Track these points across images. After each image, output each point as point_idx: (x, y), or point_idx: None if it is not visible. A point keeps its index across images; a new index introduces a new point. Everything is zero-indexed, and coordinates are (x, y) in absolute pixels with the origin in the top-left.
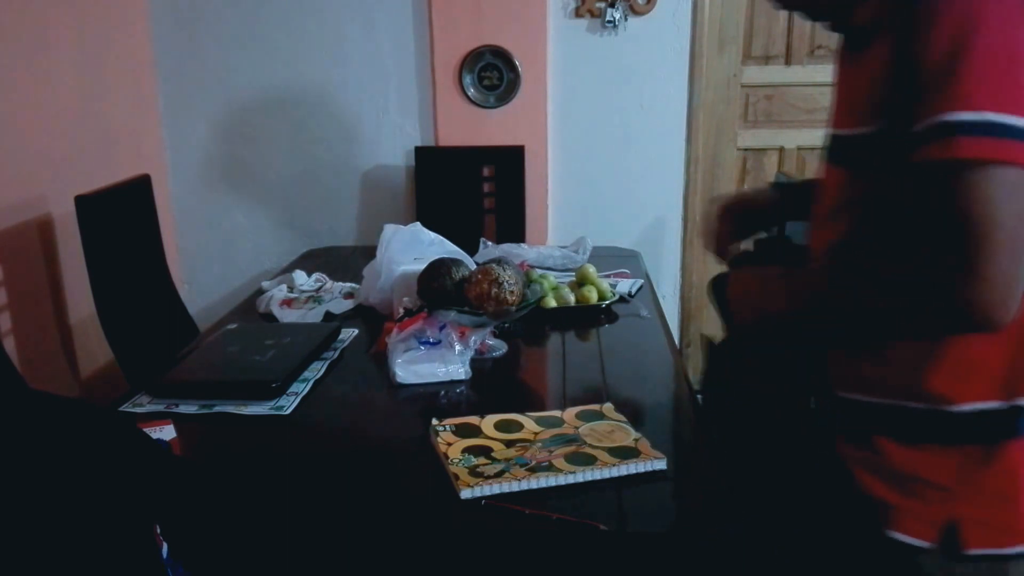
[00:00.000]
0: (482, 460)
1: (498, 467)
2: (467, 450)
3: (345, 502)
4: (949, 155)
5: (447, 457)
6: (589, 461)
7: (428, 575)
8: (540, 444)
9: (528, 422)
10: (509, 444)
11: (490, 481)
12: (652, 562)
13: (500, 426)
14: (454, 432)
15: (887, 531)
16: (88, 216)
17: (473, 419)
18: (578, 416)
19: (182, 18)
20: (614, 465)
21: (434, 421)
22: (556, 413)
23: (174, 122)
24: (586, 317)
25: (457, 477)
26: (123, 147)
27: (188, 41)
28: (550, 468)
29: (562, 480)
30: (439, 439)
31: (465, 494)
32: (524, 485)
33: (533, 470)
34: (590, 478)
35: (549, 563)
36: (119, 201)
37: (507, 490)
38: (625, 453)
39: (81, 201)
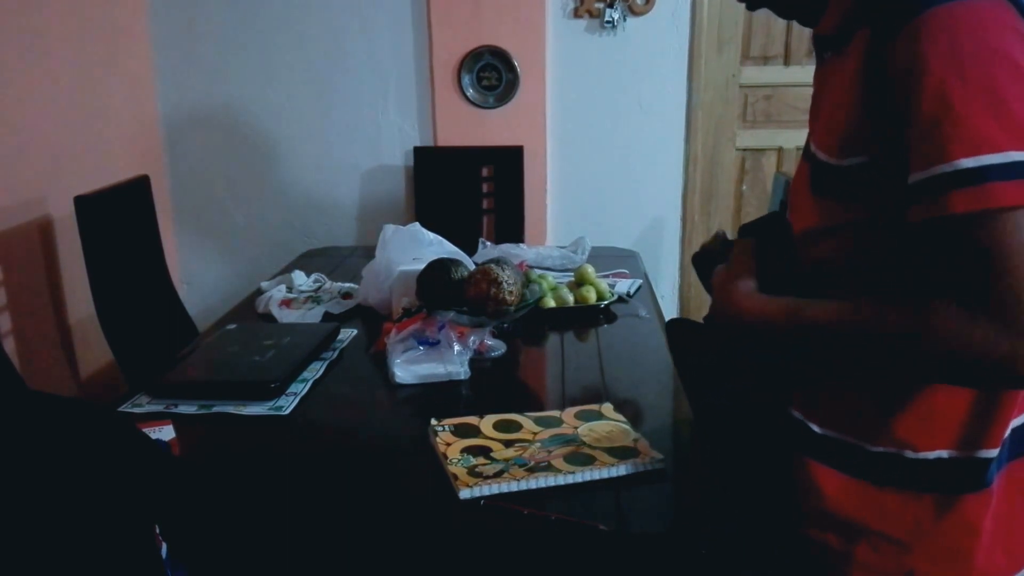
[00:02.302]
0: (481, 460)
1: (497, 467)
2: (466, 450)
3: (344, 502)
4: (983, 206)
5: (446, 457)
6: (588, 461)
7: (427, 575)
8: (539, 444)
9: (527, 422)
10: (508, 444)
11: (489, 481)
12: (651, 562)
13: (499, 426)
14: (453, 432)
15: None
16: (87, 217)
17: (472, 419)
18: (577, 416)
19: (181, 19)
20: (613, 465)
21: (433, 421)
22: (555, 413)
23: (173, 123)
24: (585, 317)
25: (456, 477)
26: (122, 148)
27: (187, 42)
28: (549, 468)
29: (561, 480)
30: (438, 439)
31: (464, 494)
32: (523, 485)
33: (532, 470)
34: (589, 478)
35: (548, 563)
36: (118, 202)
37: (506, 490)
38: (624, 453)
39: (80, 202)
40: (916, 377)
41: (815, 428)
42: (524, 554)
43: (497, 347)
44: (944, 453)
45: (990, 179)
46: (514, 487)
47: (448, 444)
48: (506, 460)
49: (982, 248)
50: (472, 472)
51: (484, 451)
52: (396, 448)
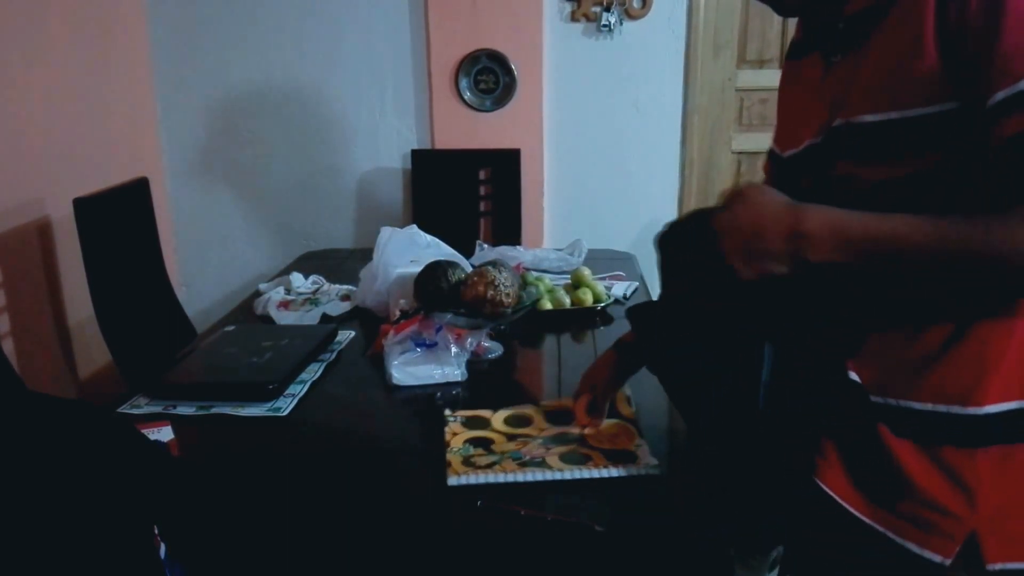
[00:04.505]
0: (479, 451)
1: (491, 459)
2: (469, 441)
3: (342, 503)
4: None
5: (448, 445)
6: (582, 461)
7: (424, 575)
8: (540, 441)
9: (538, 417)
10: (511, 438)
11: (479, 471)
12: (646, 562)
13: (510, 420)
14: (463, 423)
15: (903, 543)
16: (86, 219)
17: (485, 412)
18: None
19: (179, 21)
20: (605, 467)
21: (447, 412)
22: (564, 402)
23: (171, 125)
24: (581, 319)
25: (449, 464)
26: (121, 150)
27: (185, 44)
28: (542, 464)
29: (549, 476)
30: (448, 428)
31: (451, 481)
32: (510, 478)
33: (524, 464)
34: (578, 476)
35: (544, 563)
36: (117, 204)
37: (492, 481)
38: (621, 457)
39: (79, 204)
40: (999, 288)
41: (875, 398)
42: (520, 554)
43: (494, 349)
44: (1007, 406)
45: None
46: (500, 479)
47: (455, 434)
48: (502, 453)
49: None
50: (466, 462)
51: (486, 443)
52: (394, 449)
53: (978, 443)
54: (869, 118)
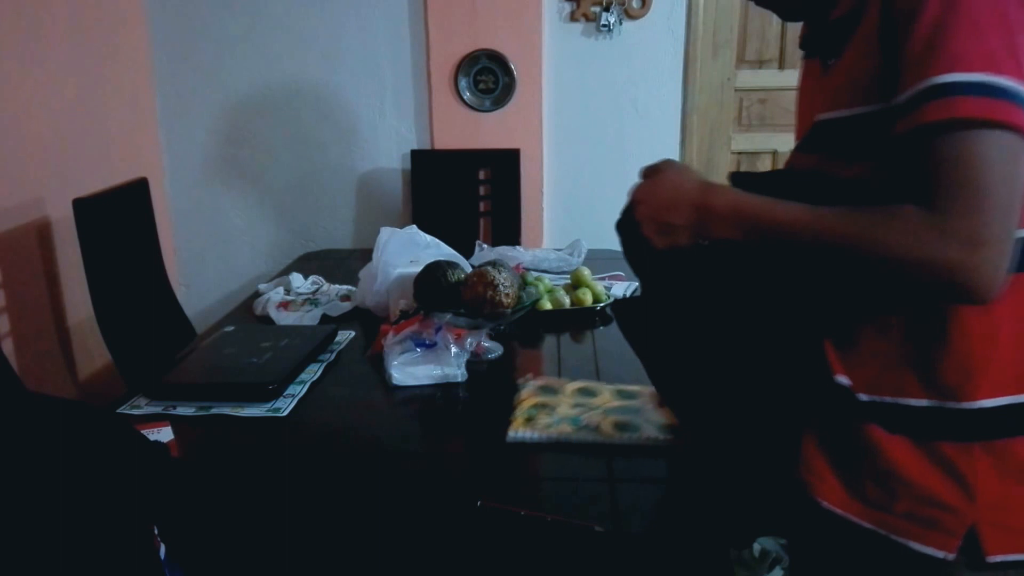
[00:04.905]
0: (543, 414)
1: (550, 421)
2: (536, 405)
3: (342, 503)
4: (949, 115)
5: (516, 406)
6: (635, 430)
7: (424, 575)
8: (602, 410)
9: (606, 392)
10: (576, 407)
11: (536, 430)
12: (647, 563)
13: (581, 391)
14: (537, 389)
15: (905, 543)
16: (86, 219)
17: (560, 381)
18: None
19: (179, 22)
20: (655, 437)
21: (528, 376)
22: (635, 388)
23: (171, 125)
24: (581, 319)
25: (510, 422)
26: (120, 150)
27: (185, 45)
28: (597, 430)
29: (599, 439)
30: (520, 392)
31: (510, 436)
32: (563, 437)
33: (580, 429)
34: (627, 442)
35: (545, 564)
36: (117, 204)
37: (542, 439)
38: (671, 430)
39: (79, 204)
40: (878, 281)
41: (862, 396)
42: (521, 555)
43: (493, 349)
44: (992, 402)
45: (959, 93)
46: (554, 438)
47: (525, 399)
48: (563, 417)
49: (944, 157)
50: (528, 421)
51: (550, 408)
52: (393, 449)
53: (973, 437)
54: (828, 115)
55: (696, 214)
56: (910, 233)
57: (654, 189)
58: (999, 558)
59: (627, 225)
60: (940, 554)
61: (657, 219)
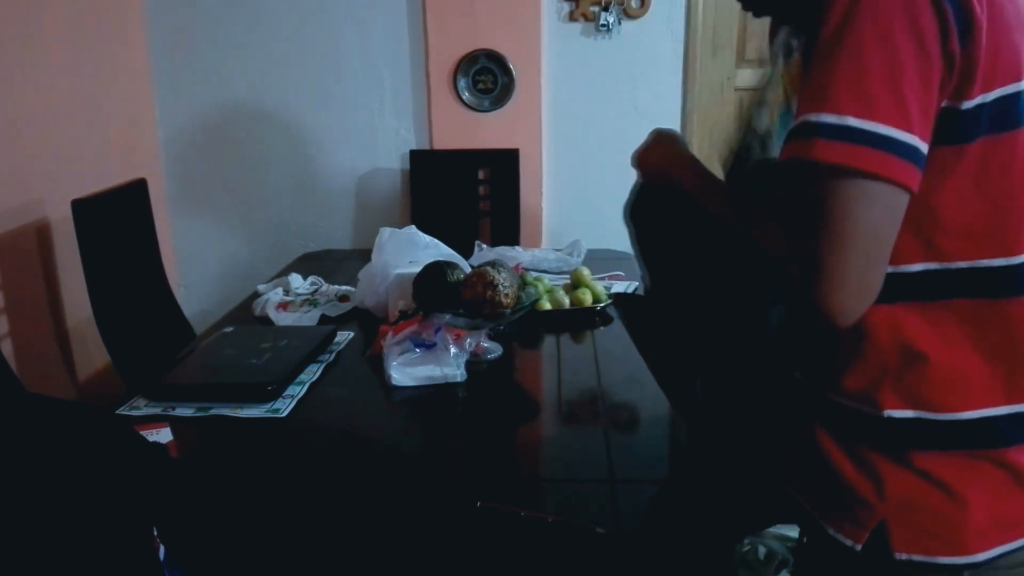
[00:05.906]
0: None
1: None
2: None
3: (341, 504)
4: (809, 156)
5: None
6: None
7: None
8: None
9: None
10: None
11: None
12: (647, 563)
13: None
14: None
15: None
16: (85, 220)
17: None
18: None
19: (178, 23)
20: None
21: None
22: None
23: (170, 126)
24: (581, 320)
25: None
26: (119, 151)
27: (184, 46)
28: None
29: None
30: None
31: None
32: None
33: None
34: None
35: (545, 564)
36: (115, 205)
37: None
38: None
39: (78, 205)
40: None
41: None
42: (521, 556)
43: (493, 349)
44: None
45: (820, 135)
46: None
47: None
48: None
49: (798, 193)
50: None
51: None
52: (393, 450)
53: (883, 446)
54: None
55: (665, 161)
56: (775, 245)
57: (651, 141)
58: (904, 556)
59: (639, 207)
60: (849, 543)
61: (642, 157)
